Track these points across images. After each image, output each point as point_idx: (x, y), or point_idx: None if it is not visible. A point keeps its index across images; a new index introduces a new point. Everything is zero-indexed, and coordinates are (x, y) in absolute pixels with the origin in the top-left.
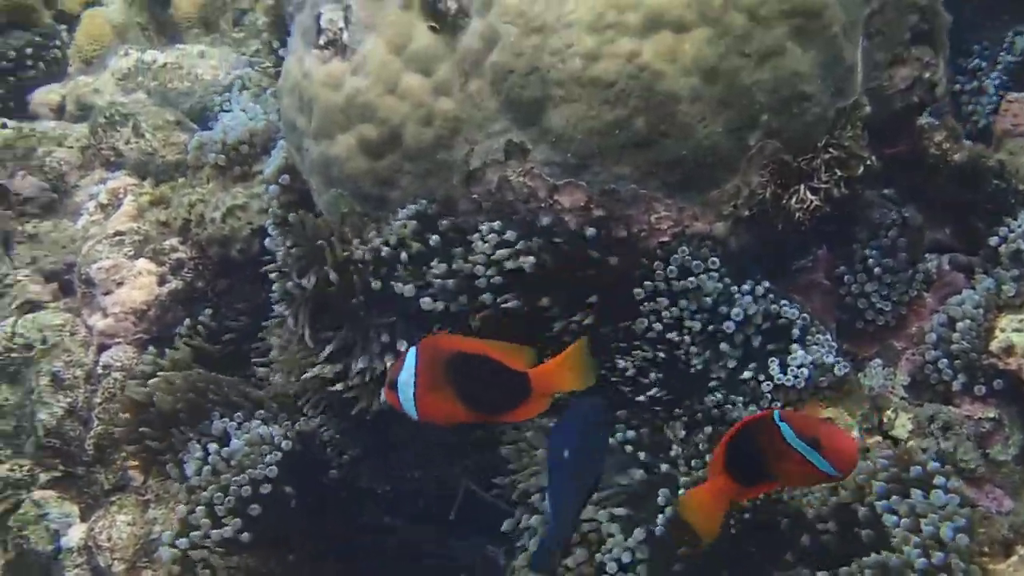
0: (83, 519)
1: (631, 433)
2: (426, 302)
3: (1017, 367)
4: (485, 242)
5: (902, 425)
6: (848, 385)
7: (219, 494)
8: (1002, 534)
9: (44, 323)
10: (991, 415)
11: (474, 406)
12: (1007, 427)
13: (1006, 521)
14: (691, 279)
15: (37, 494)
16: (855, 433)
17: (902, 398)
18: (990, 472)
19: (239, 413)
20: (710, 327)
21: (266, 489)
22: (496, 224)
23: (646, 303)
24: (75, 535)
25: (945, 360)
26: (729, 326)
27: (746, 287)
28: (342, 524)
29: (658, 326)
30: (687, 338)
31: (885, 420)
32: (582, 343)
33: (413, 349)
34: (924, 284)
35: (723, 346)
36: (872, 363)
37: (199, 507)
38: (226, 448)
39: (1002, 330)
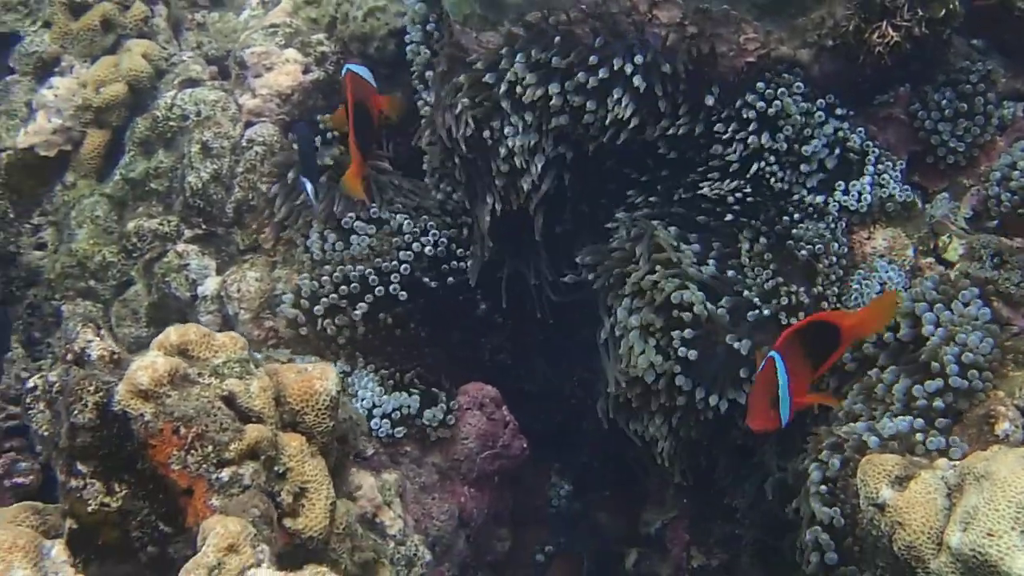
0: (218, 272)
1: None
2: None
3: None
4: None
5: (954, 249)
6: (909, 211)
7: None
8: None
9: (200, 98)
10: None
11: None
12: None
13: None
14: (776, 102)
15: (180, 247)
16: (909, 252)
17: (962, 228)
18: None
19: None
20: (794, 146)
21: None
22: None
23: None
24: (211, 286)
25: (1007, 194)
26: (809, 149)
27: (825, 112)
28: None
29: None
30: (771, 158)
31: (939, 244)
32: None
33: None
34: (999, 129)
35: (803, 167)
36: (940, 196)
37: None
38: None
39: None
